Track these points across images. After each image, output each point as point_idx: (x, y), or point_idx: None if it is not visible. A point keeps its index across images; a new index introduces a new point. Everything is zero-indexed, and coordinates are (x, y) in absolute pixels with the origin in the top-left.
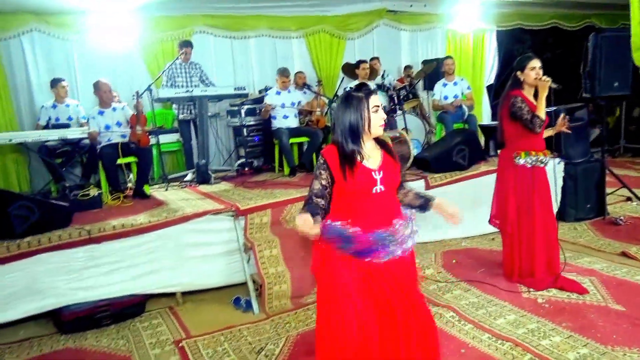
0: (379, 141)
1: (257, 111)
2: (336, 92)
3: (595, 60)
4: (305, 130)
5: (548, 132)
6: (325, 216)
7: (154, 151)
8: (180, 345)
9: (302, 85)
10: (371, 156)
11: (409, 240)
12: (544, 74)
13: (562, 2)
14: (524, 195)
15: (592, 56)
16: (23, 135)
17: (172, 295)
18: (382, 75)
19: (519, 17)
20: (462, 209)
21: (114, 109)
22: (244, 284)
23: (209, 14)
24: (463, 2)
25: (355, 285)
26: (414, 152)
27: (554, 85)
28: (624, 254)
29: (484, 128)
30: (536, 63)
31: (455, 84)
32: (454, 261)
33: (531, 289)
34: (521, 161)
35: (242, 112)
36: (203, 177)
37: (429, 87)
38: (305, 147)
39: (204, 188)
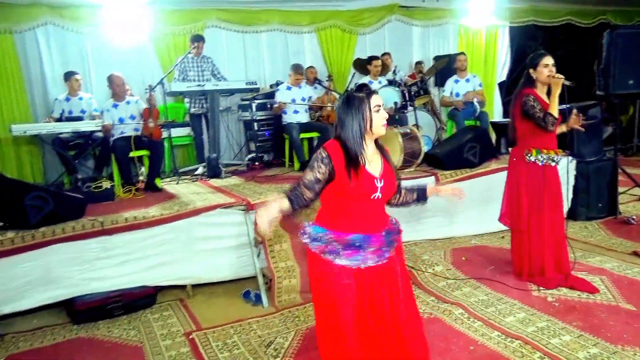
0: (378, 146)
1: (268, 106)
2: (347, 87)
3: (610, 57)
4: (316, 125)
5: (561, 128)
6: (303, 209)
7: (166, 144)
8: (190, 337)
9: (313, 80)
10: (372, 161)
11: (392, 245)
12: (556, 72)
13: None
14: (535, 194)
15: (607, 53)
16: (38, 127)
17: (182, 287)
18: (394, 71)
19: (532, 13)
20: (472, 206)
21: (128, 102)
22: (254, 277)
23: (222, 8)
24: None
25: (349, 291)
26: (425, 148)
27: (567, 83)
28: (635, 254)
29: (496, 125)
30: (549, 60)
31: (467, 80)
32: (463, 258)
33: (541, 288)
34: (532, 158)
35: (253, 106)
36: (214, 171)
37: (441, 83)
38: (315, 142)
39: (214, 182)
